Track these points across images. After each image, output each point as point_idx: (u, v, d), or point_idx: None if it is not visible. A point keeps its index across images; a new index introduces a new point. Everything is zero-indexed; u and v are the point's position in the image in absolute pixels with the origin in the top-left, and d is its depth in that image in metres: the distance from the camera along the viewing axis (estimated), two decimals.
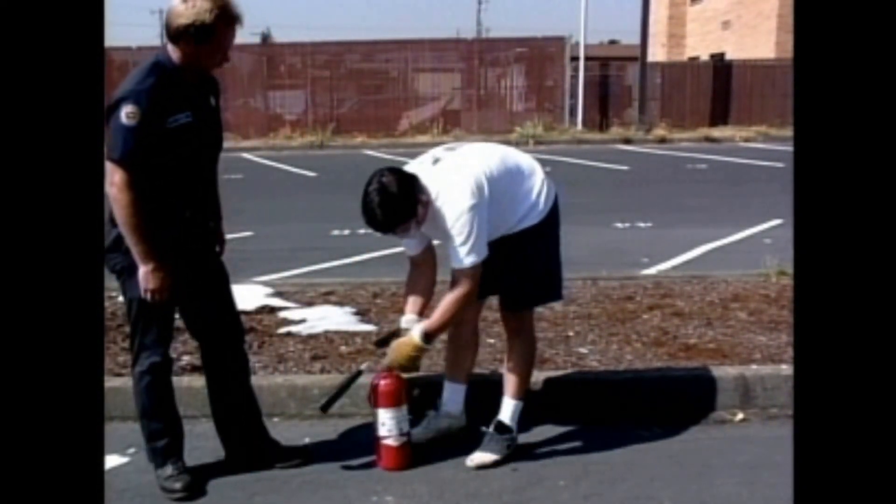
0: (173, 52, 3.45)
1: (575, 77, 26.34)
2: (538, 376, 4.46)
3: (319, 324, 5.51)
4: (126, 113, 3.30)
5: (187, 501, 3.63)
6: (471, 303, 3.73)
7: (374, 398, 3.81)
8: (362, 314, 5.70)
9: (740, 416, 4.36)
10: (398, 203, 3.52)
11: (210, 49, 3.42)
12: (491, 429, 3.93)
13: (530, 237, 3.79)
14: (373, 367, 3.99)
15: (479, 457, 3.88)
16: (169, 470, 3.69)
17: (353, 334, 5.27)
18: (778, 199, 10.35)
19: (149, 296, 3.49)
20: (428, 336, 3.68)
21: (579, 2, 26.37)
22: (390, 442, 3.83)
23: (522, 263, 3.80)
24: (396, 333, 3.84)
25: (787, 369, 4.49)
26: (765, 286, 6.34)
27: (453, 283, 3.68)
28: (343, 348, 5.04)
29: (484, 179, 3.60)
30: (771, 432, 4.16)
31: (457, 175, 3.61)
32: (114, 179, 3.34)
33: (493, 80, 28.01)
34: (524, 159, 3.89)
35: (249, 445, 3.93)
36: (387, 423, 3.81)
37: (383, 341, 3.91)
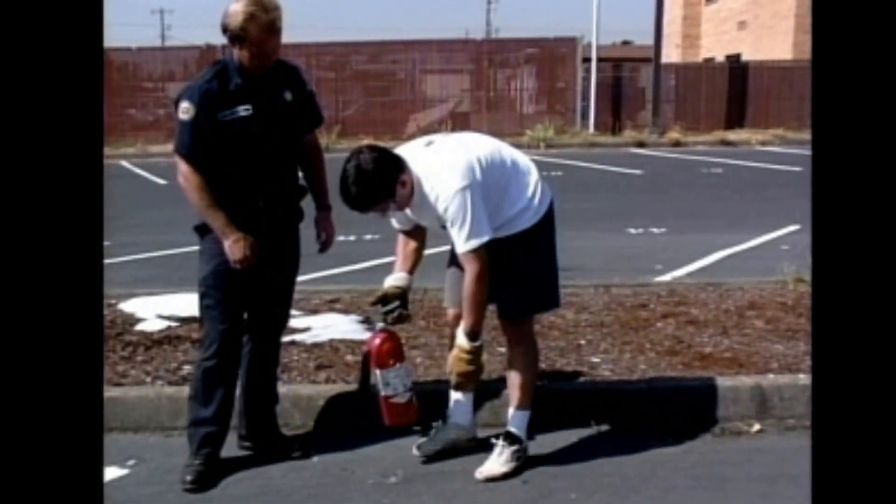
0: (234, 50, 3.75)
1: (587, 79, 26.33)
2: (549, 386, 4.46)
3: (324, 332, 5.51)
4: (182, 109, 3.68)
5: (191, 493, 3.79)
6: (486, 280, 3.68)
7: (376, 360, 3.87)
8: (368, 322, 5.70)
9: (757, 427, 4.35)
10: (373, 182, 3.57)
11: (247, 50, 3.68)
12: (500, 440, 3.94)
13: (525, 242, 3.80)
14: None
15: (488, 468, 3.88)
16: (190, 459, 3.87)
17: (359, 343, 5.27)
18: (795, 205, 10.36)
19: (238, 266, 3.76)
20: (473, 335, 3.69)
21: (591, 1, 26.36)
22: (398, 400, 3.90)
23: (518, 270, 3.82)
24: (392, 294, 3.87)
25: (804, 379, 4.48)
26: (782, 294, 6.34)
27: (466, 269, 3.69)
28: (349, 357, 5.05)
29: (475, 163, 3.64)
30: (788, 444, 4.15)
31: (447, 157, 3.65)
32: (180, 170, 3.74)
33: (502, 82, 28.01)
34: (521, 157, 3.92)
35: (260, 432, 4.15)
36: (391, 383, 3.88)
37: (379, 301, 3.91)
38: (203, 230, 3.86)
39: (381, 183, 3.58)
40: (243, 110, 3.70)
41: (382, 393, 3.90)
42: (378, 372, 3.88)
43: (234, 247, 3.74)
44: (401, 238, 3.99)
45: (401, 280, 3.89)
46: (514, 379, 3.99)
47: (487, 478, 3.85)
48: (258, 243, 3.80)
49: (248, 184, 3.78)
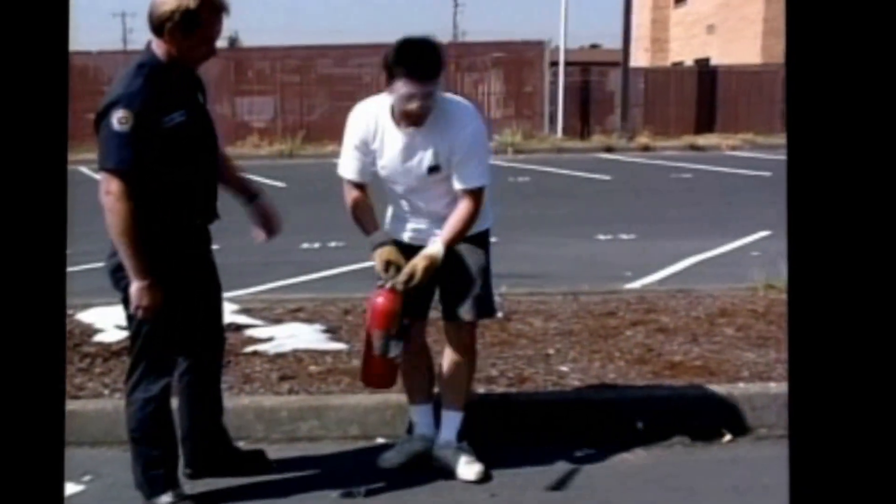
0: (158, 48, 3.44)
1: (555, 83, 26.44)
2: (517, 396, 4.45)
3: (288, 342, 5.47)
4: (118, 118, 3.29)
5: None
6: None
7: (382, 321, 3.75)
8: (333, 332, 5.66)
9: (728, 436, 4.35)
10: (440, 52, 3.75)
11: (196, 40, 3.40)
12: (459, 444, 3.98)
13: (483, 242, 3.91)
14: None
15: (473, 469, 3.90)
16: (167, 498, 3.63)
17: (323, 353, 5.24)
18: (765, 210, 10.41)
19: (139, 313, 3.46)
20: (448, 248, 3.77)
21: (559, 4, 26.52)
22: (389, 363, 3.83)
23: (477, 272, 3.87)
24: (396, 258, 3.77)
25: (775, 387, 4.50)
26: (752, 300, 6.36)
27: (462, 202, 3.77)
28: (312, 368, 5.01)
29: None
30: (760, 453, 4.16)
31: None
32: (109, 188, 3.32)
33: (469, 86, 27.99)
34: None
35: (213, 456, 3.96)
36: (391, 346, 3.78)
37: (389, 267, 3.78)
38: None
39: (442, 58, 3.74)
40: (179, 115, 3.42)
41: (378, 353, 3.78)
42: (379, 332, 3.76)
43: (147, 292, 3.41)
44: (356, 196, 3.87)
45: (386, 237, 3.83)
46: (456, 383, 4.01)
47: (479, 476, 3.88)
48: (198, 264, 3.66)
49: (188, 199, 3.55)
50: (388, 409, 4.29)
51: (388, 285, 3.74)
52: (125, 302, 3.57)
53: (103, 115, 3.33)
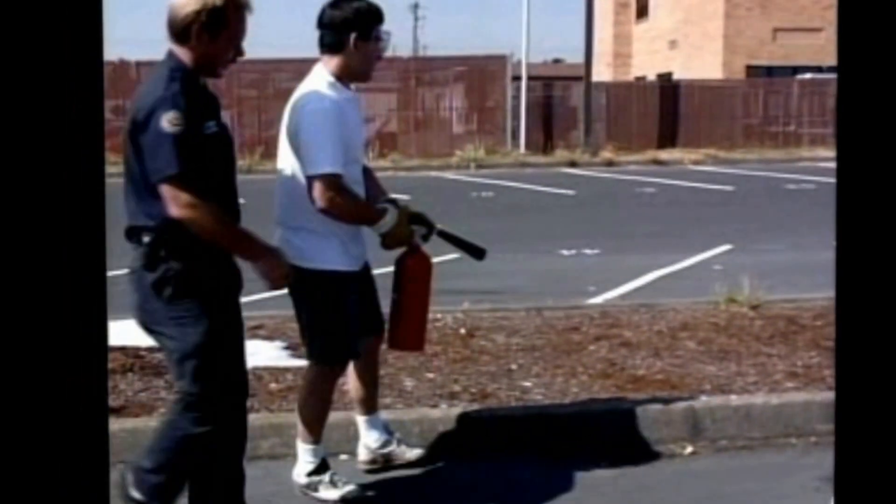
0: (183, 55, 3.22)
1: (517, 97, 26.54)
2: (480, 412, 4.50)
3: (247, 360, 5.46)
4: (168, 120, 3.02)
5: None
6: None
7: (428, 278, 3.91)
8: (293, 349, 5.67)
9: (690, 448, 4.43)
10: None
11: (223, 41, 3.21)
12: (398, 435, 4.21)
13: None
14: None
15: (416, 449, 4.17)
16: None
17: (284, 370, 5.26)
18: (728, 224, 10.59)
19: (274, 286, 3.56)
20: None
21: (521, 19, 26.71)
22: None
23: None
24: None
25: (736, 400, 4.59)
26: (714, 314, 6.46)
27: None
28: (273, 385, 5.02)
29: None
30: (721, 465, 4.25)
31: None
32: (181, 200, 3.06)
33: (431, 101, 28.08)
34: None
35: None
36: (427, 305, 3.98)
37: (416, 221, 3.92)
38: (181, 292, 3.20)
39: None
40: (213, 125, 3.24)
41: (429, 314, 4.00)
42: (428, 291, 3.93)
43: (277, 263, 3.42)
44: (346, 191, 3.75)
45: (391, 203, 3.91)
46: (375, 386, 4.21)
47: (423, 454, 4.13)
48: (238, 289, 3.49)
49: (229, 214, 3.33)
50: (351, 425, 4.32)
51: (418, 244, 3.87)
52: (167, 337, 3.37)
53: (147, 119, 3.06)
